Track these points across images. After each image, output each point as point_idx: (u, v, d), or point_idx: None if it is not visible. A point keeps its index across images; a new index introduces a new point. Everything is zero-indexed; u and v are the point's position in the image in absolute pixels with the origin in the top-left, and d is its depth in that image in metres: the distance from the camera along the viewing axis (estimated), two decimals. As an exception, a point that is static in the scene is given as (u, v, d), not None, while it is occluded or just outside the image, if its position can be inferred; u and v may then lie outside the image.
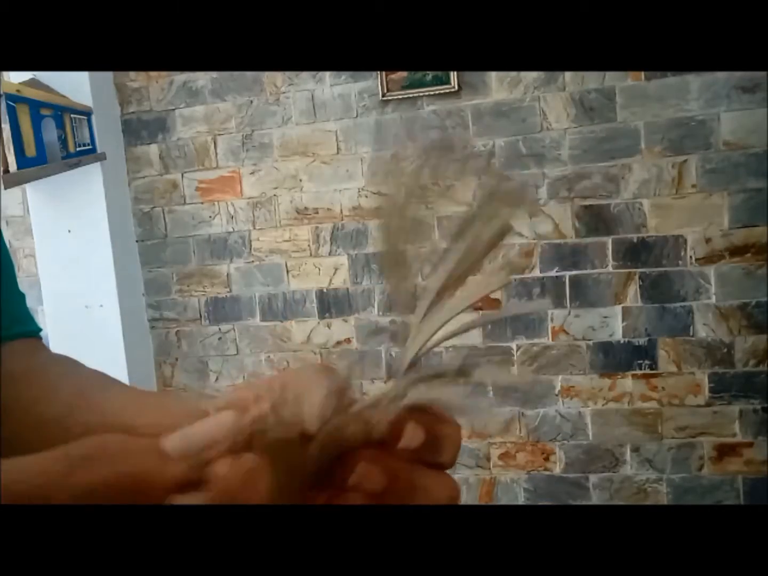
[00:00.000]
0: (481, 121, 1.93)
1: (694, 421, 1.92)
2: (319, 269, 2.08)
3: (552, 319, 1.96)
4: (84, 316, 2.01)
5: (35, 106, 1.58)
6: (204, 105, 2.08)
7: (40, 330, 0.53)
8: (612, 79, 1.85)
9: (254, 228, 2.10)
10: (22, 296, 0.53)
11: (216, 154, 2.09)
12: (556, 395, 1.99)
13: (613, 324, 1.93)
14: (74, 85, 1.90)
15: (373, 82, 1.95)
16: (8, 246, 0.52)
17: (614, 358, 1.94)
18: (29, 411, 0.41)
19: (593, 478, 1.99)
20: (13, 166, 1.45)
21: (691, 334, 1.89)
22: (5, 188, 1.44)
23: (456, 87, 1.91)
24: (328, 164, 2.03)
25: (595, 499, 1.99)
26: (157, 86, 2.10)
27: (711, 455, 1.92)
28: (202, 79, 2.07)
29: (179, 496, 0.21)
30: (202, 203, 2.12)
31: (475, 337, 2.00)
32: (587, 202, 1.90)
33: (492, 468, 2.05)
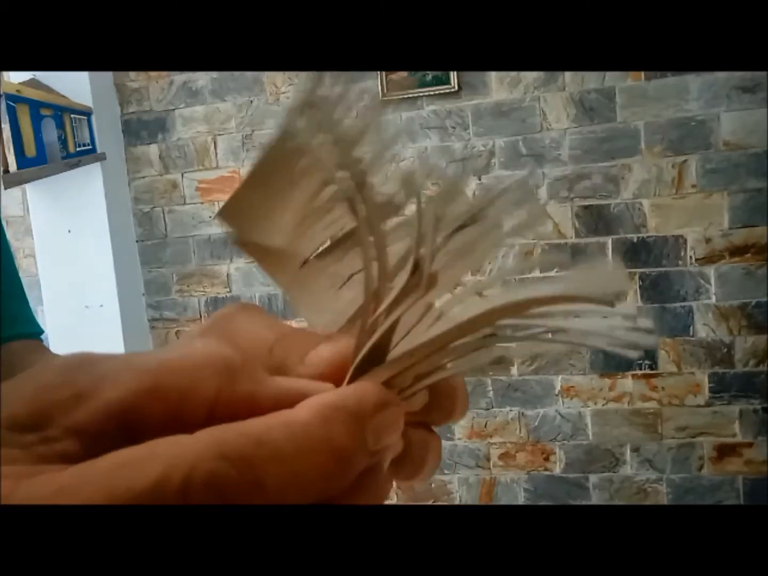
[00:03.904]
0: (481, 121, 1.93)
1: (694, 421, 1.92)
2: (319, 269, 2.08)
3: (552, 319, 1.96)
4: (84, 316, 2.01)
5: (35, 106, 1.58)
6: (204, 105, 2.08)
7: (42, 332, 0.53)
8: (612, 79, 1.85)
9: (254, 228, 2.10)
10: (24, 298, 0.52)
11: (216, 154, 2.09)
12: (556, 395, 1.99)
13: (613, 324, 1.93)
14: (74, 85, 1.90)
15: (373, 82, 1.95)
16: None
17: (614, 358, 1.94)
18: None
19: (593, 478, 1.99)
20: (13, 166, 1.45)
21: (691, 334, 1.89)
22: (5, 188, 1.44)
23: (456, 87, 1.91)
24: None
25: (595, 499, 1.99)
26: (157, 86, 2.10)
27: (711, 455, 1.92)
28: (202, 79, 2.07)
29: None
30: (202, 203, 2.12)
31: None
32: (587, 202, 1.90)
33: (492, 468, 2.05)
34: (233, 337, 0.22)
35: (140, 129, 2.13)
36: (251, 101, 2.05)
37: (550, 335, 0.21)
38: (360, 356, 0.21)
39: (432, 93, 1.93)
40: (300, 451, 0.17)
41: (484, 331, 0.20)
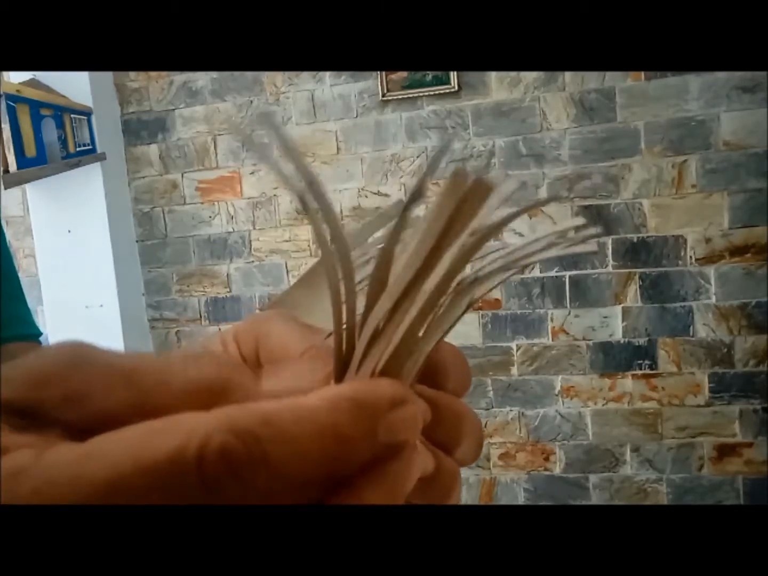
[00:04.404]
0: (481, 121, 1.93)
1: (694, 421, 1.92)
2: (319, 269, 2.07)
3: (552, 319, 1.96)
4: (84, 316, 2.01)
5: (35, 106, 1.58)
6: (204, 105, 2.08)
7: (40, 334, 0.52)
8: (612, 79, 1.85)
9: (254, 228, 2.10)
10: (23, 299, 0.52)
11: (216, 154, 2.09)
12: (556, 395, 1.99)
13: (613, 324, 1.93)
14: (74, 85, 1.90)
15: (373, 82, 1.95)
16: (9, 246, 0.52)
17: (614, 358, 1.94)
18: None
19: (593, 478, 1.99)
20: (13, 166, 1.45)
21: (691, 334, 1.89)
22: (5, 188, 1.44)
23: (456, 87, 1.91)
24: (328, 164, 2.03)
25: (595, 499, 1.99)
26: (157, 86, 2.10)
27: (711, 455, 1.92)
28: (202, 79, 2.07)
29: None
30: (202, 203, 2.12)
31: (475, 338, 2.00)
32: (587, 202, 1.90)
33: (492, 468, 2.05)
34: (266, 338, 0.24)
35: (140, 129, 2.13)
36: (251, 101, 2.05)
37: (506, 264, 0.21)
38: (356, 362, 0.21)
39: (432, 93, 1.93)
40: (304, 433, 0.18)
41: (449, 292, 0.21)
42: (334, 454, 0.18)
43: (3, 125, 1.45)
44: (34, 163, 1.55)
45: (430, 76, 1.92)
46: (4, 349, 0.47)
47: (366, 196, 2.02)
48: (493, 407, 2.02)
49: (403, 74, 1.93)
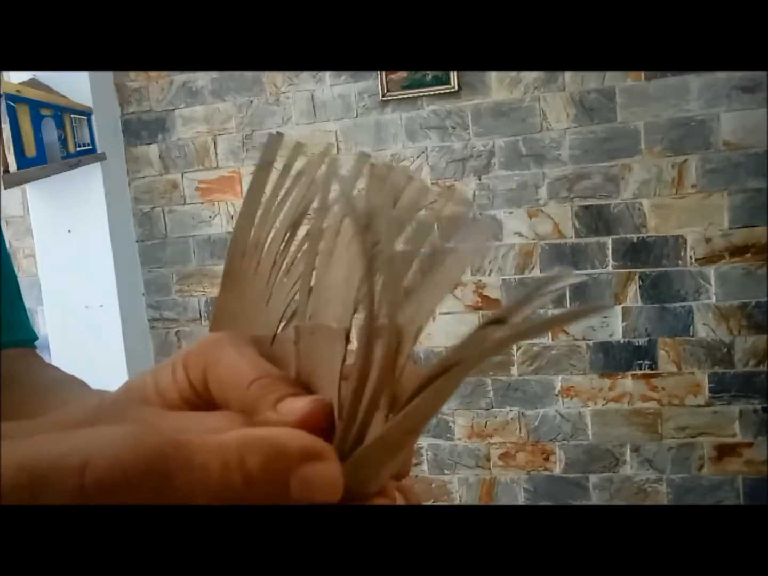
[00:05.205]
0: (481, 121, 1.93)
1: (694, 421, 1.92)
2: (319, 269, 2.07)
3: (552, 319, 1.96)
4: (84, 316, 2.01)
5: (35, 106, 1.58)
6: (204, 105, 2.08)
7: (36, 339, 0.52)
8: (612, 79, 1.85)
9: (254, 228, 2.09)
10: (20, 302, 0.52)
11: (216, 154, 2.09)
12: (556, 395, 1.99)
13: (613, 324, 1.93)
14: (74, 85, 1.90)
15: (373, 82, 1.95)
16: (8, 247, 0.52)
17: (614, 358, 1.94)
18: (11, 416, 0.40)
19: (593, 478, 1.99)
20: (13, 166, 1.45)
21: (691, 334, 1.89)
22: (5, 188, 1.44)
23: (456, 87, 1.91)
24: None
25: (595, 499, 1.99)
26: (157, 86, 2.10)
27: (711, 455, 1.92)
28: (202, 79, 2.07)
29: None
30: (202, 203, 2.12)
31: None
32: (587, 202, 1.90)
33: (492, 468, 2.05)
34: (216, 365, 0.24)
35: (140, 129, 2.13)
36: (251, 101, 2.05)
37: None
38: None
39: (432, 93, 1.93)
40: (208, 462, 0.18)
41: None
42: (239, 491, 0.18)
43: (3, 125, 1.45)
44: (34, 163, 1.55)
45: (430, 76, 1.92)
46: (2, 354, 0.46)
47: (366, 196, 2.01)
48: (493, 407, 2.02)
49: (403, 74, 1.93)
